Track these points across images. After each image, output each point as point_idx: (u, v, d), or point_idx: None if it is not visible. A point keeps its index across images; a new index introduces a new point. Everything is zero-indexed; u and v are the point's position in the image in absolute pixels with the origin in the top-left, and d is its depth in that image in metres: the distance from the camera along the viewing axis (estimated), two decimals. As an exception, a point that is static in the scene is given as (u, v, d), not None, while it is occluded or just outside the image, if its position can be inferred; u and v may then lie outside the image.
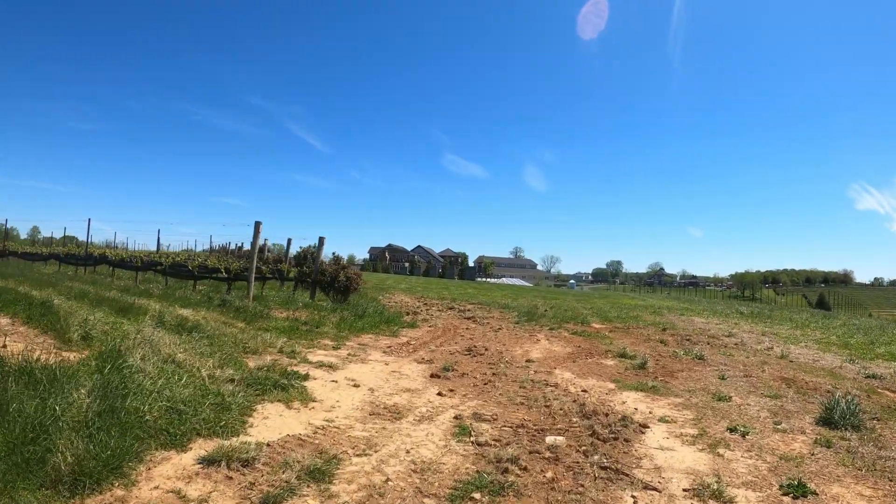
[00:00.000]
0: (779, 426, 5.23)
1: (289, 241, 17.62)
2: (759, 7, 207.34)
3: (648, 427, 5.03)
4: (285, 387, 5.47)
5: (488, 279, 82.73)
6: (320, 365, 7.15)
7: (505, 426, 4.85)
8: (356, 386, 6.11)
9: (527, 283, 79.00)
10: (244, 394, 4.97)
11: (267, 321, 10.37)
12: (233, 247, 28.01)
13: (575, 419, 5.14)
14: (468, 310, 16.09)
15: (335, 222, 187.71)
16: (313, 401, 5.32)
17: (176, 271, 17.03)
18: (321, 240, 15.09)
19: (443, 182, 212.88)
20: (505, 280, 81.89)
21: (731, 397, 6.34)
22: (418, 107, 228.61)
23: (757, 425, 5.24)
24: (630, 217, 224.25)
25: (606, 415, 5.29)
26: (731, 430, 5.04)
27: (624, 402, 5.97)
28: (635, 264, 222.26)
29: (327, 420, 4.75)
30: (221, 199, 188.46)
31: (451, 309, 16.29)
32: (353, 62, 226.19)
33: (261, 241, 17.75)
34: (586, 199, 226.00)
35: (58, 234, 36.96)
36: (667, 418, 5.37)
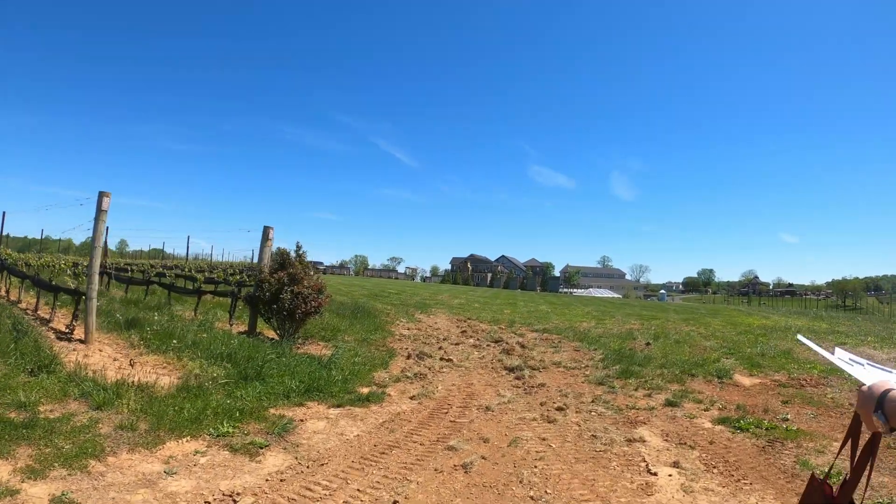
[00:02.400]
0: None
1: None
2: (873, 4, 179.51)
3: None
4: None
5: (573, 291, 74.62)
6: None
7: None
8: None
9: (615, 295, 70.03)
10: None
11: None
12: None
13: None
14: (522, 345, 9.96)
15: (422, 234, 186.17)
16: None
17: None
18: (266, 232, 9.75)
19: (529, 193, 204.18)
20: (592, 292, 73.32)
21: None
22: (505, 119, 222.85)
23: None
24: (721, 224, 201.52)
25: None
26: None
27: None
28: (727, 272, 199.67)
29: None
30: (314, 215, 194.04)
31: (496, 343, 10.27)
32: (438, 79, 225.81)
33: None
34: (675, 207, 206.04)
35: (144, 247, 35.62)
36: None
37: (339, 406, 5.52)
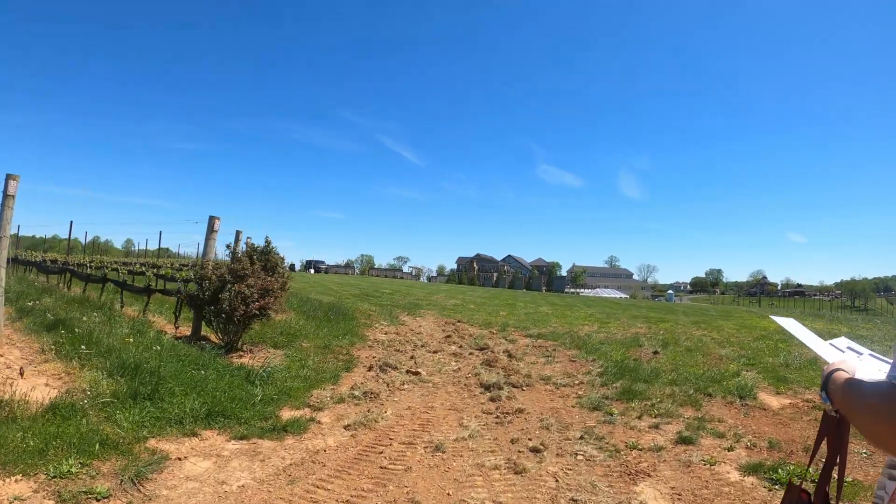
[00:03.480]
0: None
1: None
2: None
3: None
4: None
5: (580, 291, 72.84)
6: None
7: None
8: None
9: (622, 295, 68.20)
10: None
11: None
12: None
13: None
14: (510, 354, 8.54)
15: (428, 233, 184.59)
16: None
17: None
18: (211, 223, 8.39)
19: (536, 192, 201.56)
20: (599, 292, 71.47)
21: None
22: (513, 118, 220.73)
23: None
24: (728, 223, 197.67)
25: None
26: None
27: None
28: (735, 273, 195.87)
29: None
30: (321, 214, 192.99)
31: (480, 350, 8.86)
32: (446, 78, 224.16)
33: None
34: (683, 206, 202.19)
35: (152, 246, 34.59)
36: None
37: (243, 438, 4.16)
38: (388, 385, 6.21)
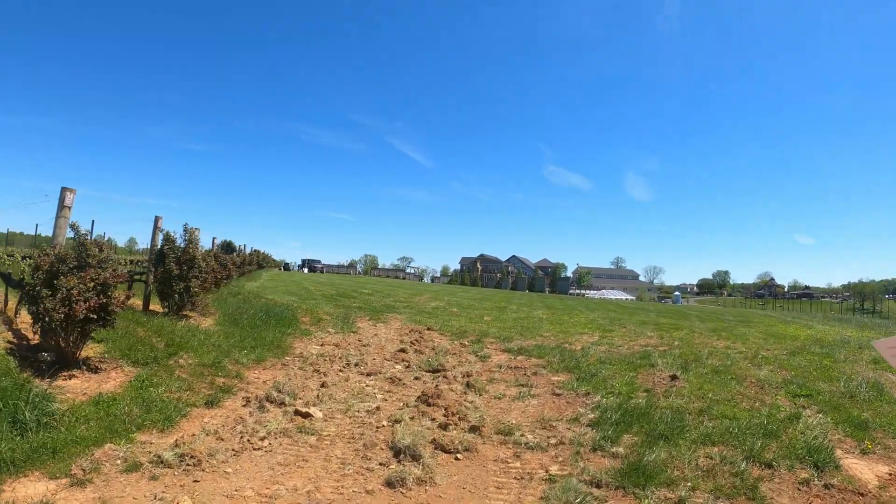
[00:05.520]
0: None
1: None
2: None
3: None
4: None
5: (584, 292, 70.00)
6: None
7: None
8: None
9: (628, 297, 65.31)
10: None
11: None
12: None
13: None
14: (468, 383, 6.03)
15: (435, 234, 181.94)
16: None
17: None
18: (62, 196, 5.88)
19: (544, 193, 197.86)
20: (605, 293, 68.55)
21: None
22: (522, 119, 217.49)
23: None
24: (735, 225, 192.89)
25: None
26: None
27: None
28: (742, 274, 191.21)
29: None
30: (328, 214, 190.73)
31: (432, 373, 6.39)
32: (455, 79, 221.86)
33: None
34: (690, 208, 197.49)
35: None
36: None
37: None
38: (244, 437, 3.81)
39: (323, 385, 5.42)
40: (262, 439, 3.90)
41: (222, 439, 3.89)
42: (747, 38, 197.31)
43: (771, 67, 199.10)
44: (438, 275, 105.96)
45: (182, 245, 9.43)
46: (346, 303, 15.24)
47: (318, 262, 65.71)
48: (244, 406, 4.67)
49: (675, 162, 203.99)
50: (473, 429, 4.05)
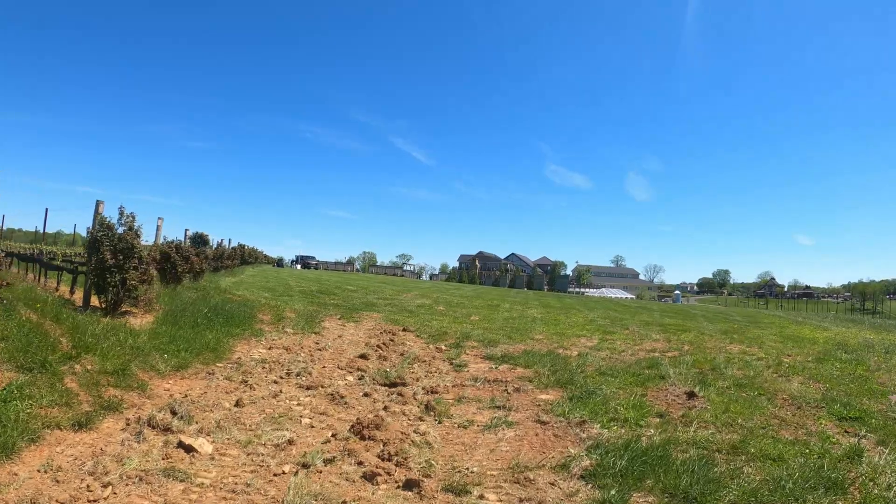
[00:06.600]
0: None
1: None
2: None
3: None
4: None
5: (584, 291, 68.65)
6: None
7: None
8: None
9: (628, 295, 63.99)
10: None
11: None
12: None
13: None
14: (428, 405, 4.75)
15: (435, 232, 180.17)
16: None
17: None
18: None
19: (545, 192, 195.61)
20: (605, 292, 67.19)
21: None
22: (523, 118, 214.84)
23: None
24: (735, 225, 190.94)
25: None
26: None
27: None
28: (742, 274, 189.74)
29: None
30: (329, 212, 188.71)
31: (389, 388, 5.10)
32: (457, 78, 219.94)
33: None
34: (690, 207, 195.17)
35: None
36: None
37: None
38: (85, 480, 2.53)
39: (237, 403, 4.14)
40: (106, 486, 2.64)
41: (58, 482, 2.63)
42: (747, 38, 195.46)
43: (771, 67, 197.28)
44: (437, 272, 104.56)
45: (120, 232, 8.17)
46: (323, 300, 13.95)
47: (313, 258, 64.33)
48: (122, 430, 3.41)
49: (676, 162, 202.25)
50: (410, 484, 2.76)
